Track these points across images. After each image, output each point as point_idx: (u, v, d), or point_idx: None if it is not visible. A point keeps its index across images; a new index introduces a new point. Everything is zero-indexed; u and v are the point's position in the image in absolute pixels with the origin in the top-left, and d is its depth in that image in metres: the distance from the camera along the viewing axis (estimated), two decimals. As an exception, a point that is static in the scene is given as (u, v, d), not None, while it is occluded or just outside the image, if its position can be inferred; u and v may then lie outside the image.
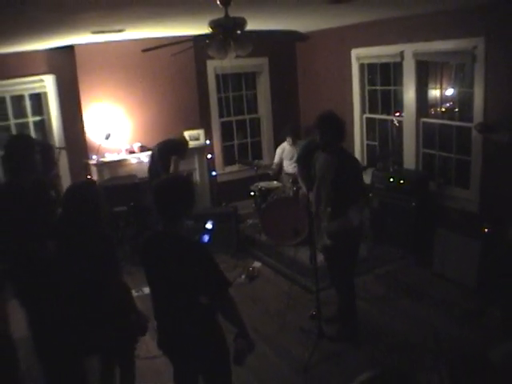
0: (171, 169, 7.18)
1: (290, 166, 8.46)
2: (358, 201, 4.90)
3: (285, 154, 8.59)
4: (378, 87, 8.43)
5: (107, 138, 7.84)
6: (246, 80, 9.89)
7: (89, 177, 7.85)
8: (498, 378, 2.49)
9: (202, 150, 8.83)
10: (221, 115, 9.59)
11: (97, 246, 3.62)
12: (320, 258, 6.21)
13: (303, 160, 6.57)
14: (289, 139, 8.42)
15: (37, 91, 8.18)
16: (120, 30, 6.13)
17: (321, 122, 4.93)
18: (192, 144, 8.43)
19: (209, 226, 7.82)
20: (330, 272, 5.46)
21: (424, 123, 7.51)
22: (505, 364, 2.75)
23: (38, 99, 8.32)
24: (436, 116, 7.51)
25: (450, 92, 7.26)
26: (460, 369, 2.54)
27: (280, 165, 8.75)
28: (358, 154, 8.54)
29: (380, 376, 2.47)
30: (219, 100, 9.50)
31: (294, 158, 8.06)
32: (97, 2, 3.77)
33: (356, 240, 5.13)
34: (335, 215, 4.83)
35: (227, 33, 4.19)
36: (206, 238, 7.63)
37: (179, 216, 3.23)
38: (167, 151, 7.32)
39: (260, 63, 9.62)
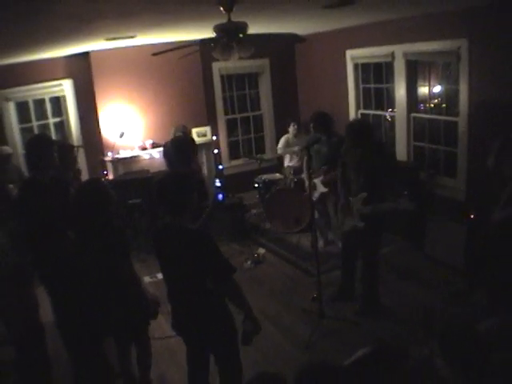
0: (194, 164, 7.21)
1: (290, 159, 8.42)
2: (393, 189, 5.17)
3: (288, 145, 8.51)
4: (371, 85, 8.41)
5: (121, 136, 7.85)
6: (248, 80, 9.87)
7: (105, 172, 7.88)
8: (485, 348, 2.50)
9: (209, 146, 8.83)
10: (226, 113, 9.59)
11: (107, 236, 3.65)
12: (320, 244, 6.31)
13: (307, 150, 6.63)
14: (293, 125, 8.31)
15: (56, 95, 8.24)
16: (132, 36, 6.13)
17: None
18: (199, 140, 8.44)
19: (218, 183, 8.11)
20: (344, 253, 5.64)
21: (414, 118, 7.49)
22: (491, 335, 2.77)
23: (58, 102, 8.38)
24: (425, 111, 7.48)
25: (437, 89, 7.24)
26: (450, 339, 2.55)
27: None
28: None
29: (375, 351, 2.49)
30: (224, 99, 9.50)
31: (295, 151, 8.13)
32: (108, 11, 3.77)
33: (382, 223, 5.23)
34: (370, 200, 5.00)
35: (230, 36, 4.19)
36: (219, 196, 7.74)
37: (182, 209, 3.21)
38: (184, 149, 7.33)
39: (262, 64, 9.61)
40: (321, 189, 6.73)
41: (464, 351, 2.48)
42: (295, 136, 8.30)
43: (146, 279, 6.27)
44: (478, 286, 5.34)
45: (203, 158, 8.77)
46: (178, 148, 7.10)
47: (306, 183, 6.54)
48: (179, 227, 3.22)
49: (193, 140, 7.35)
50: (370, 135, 5.10)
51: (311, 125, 6.67)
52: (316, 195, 6.69)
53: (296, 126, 8.30)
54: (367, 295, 5.40)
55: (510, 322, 3.04)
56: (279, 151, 8.59)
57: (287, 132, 8.44)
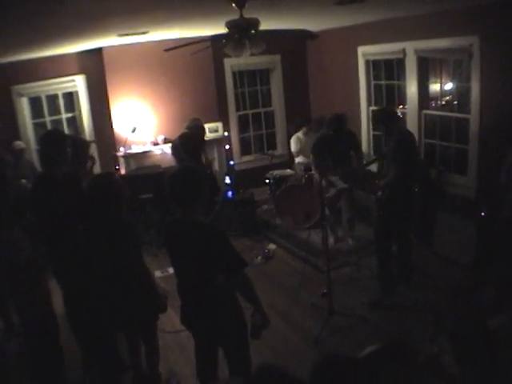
0: (204, 160, 7.21)
1: (301, 156, 8.42)
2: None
3: (300, 144, 8.50)
4: (382, 82, 8.37)
5: (133, 131, 7.88)
6: (260, 76, 9.86)
7: (117, 167, 7.92)
8: (495, 344, 2.49)
9: (220, 142, 8.85)
10: (237, 109, 9.60)
11: (118, 231, 3.66)
12: (331, 241, 6.35)
13: (317, 150, 6.66)
14: (304, 129, 8.36)
15: (69, 90, 8.28)
16: (144, 32, 6.14)
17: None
18: (211, 136, 8.47)
19: (227, 181, 8.13)
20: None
21: (425, 115, 7.45)
22: (502, 331, 2.76)
23: (71, 97, 8.41)
24: (436, 108, 7.43)
25: (449, 86, 7.20)
26: (460, 335, 2.54)
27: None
28: (364, 144, 8.53)
29: (385, 348, 2.49)
30: (236, 95, 9.51)
31: (306, 148, 8.08)
32: (117, 8, 3.77)
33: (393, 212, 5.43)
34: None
35: (242, 33, 4.17)
36: (229, 193, 7.74)
37: (193, 203, 3.19)
38: (193, 146, 7.33)
39: (273, 60, 9.58)
40: (340, 185, 6.54)
41: (474, 348, 2.46)
42: (305, 134, 8.29)
43: (157, 274, 6.30)
44: (486, 282, 5.32)
45: (214, 153, 8.78)
46: (185, 144, 7.13)
47: (318, 180, 6.51)
48: (191, 221, 3.22)
49: (201, 136, 7.34)
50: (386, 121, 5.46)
51: (327, 125, 6.71)
52: (333, 192, 6.65)
53: (306, 129, 8.33)
54: (381, 290, 5.43)
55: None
56: (296, 154, 8.55)
57: (300, 129, 8.42)
